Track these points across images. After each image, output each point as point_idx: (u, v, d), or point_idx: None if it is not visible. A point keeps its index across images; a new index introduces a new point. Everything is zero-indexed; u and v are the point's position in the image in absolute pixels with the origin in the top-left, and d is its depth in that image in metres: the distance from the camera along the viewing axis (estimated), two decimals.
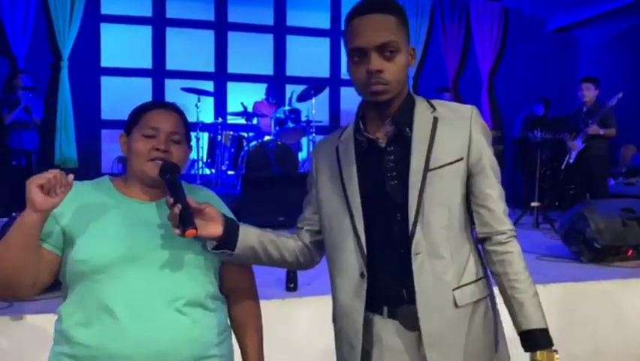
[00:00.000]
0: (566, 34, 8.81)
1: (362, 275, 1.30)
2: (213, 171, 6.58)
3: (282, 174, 5.62)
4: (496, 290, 1.39)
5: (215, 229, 1.32)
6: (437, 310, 1.26)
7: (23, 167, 5.97)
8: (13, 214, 3.65)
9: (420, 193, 1.26)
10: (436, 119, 1.31)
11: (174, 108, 1.43)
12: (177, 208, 1.24)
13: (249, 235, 1.38)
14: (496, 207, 1.31)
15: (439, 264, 1.27)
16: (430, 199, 1.27)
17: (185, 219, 1.24)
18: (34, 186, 1.16)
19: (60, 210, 1.29)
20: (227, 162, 6.40)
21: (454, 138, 1.30)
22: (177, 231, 1.24)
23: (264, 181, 5.30)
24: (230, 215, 1.44)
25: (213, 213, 1.33)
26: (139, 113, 1.40)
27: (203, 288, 1.35)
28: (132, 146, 1.36)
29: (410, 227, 1.27)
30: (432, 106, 1.34)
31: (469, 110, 1.33)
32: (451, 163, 1.28)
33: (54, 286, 2.93)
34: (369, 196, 1.31)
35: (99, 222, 1.31)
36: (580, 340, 3.14)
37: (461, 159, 1.29)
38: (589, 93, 5.70)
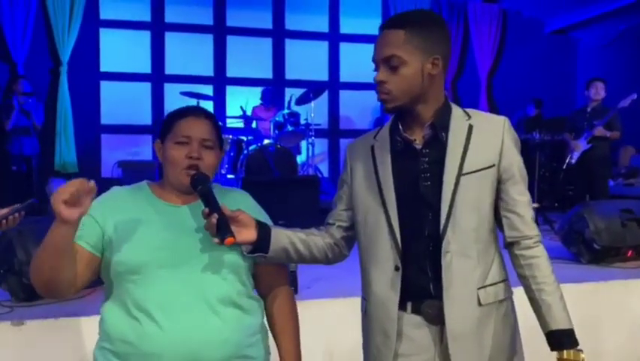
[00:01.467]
0: (564, 35, 8.83)
1: (397, 268, 1.37)
2: None
3: (281, 178, 5.62)
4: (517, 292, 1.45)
5: (250, 234, 1.38)
6: (462, 307, 1.34)
7: (23, 172, 5.98)
8: None
9: (453, 196, 1.34)
10: (471, 127, 1.38)
11: (205, 114, 1.48)
12: (214, 218, 1.29)
13: (281, 237, 1.44)
14: (525, 212, 1.40)
15: (467, 263, 1.35)
16: (462, 202, 1.34)
17: (222, 228, 1.29)
18: (59, 203, 1.18)
19: (102, 214, 1.37)
20: (226, 166, 6.40)
21: (487, 145, 1.37)
22: (216, 240, 1.29)
23: (263, 185, 5.30)
24: (265, 215, 1.53)
25: (247, 219, 1.39)
26: (171, 120, 1.45)
27: (235, 288, 1.39)
28: (166, 154, 1.42)
29: (442, 227, 1.34)
30: (467, 114, 1.42)
31: (501, 121, 1.41)
32: (484, 169, 1.36)
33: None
34: (403, 194, 1.38)
35: (138, 227, 1.36)
36: (579, 341, 3.14)
37: (493, 166, 1.37)
38: (603, 93, 5.65)
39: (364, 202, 1.44)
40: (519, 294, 1.44)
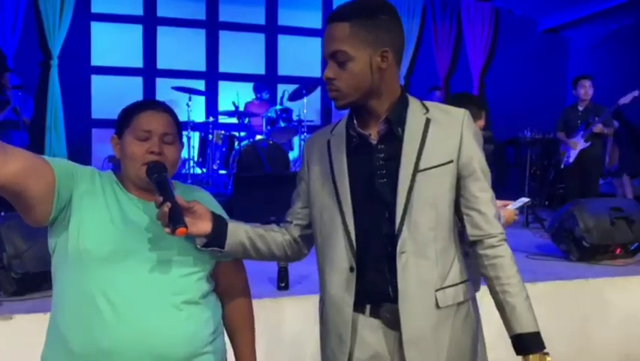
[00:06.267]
0: (556, 34, 8.87)
1: (351, 269, 1.31)
2: (204, 170, 6.56)
3: (273, 174, 5.61)
4: (479, 294, 1.42)
5: (204, 226, 1.33)
6: (419, 310, 1.28)
7: None
8: (2, 213, 3.62)
9: (408, 193, 1.28)
10: (428, 121, 1.32)
11: (164, 108, 1.42)
12: (166, 207, 1.24)
13: (238, 231, 1.39)
14: (488, 210, 1.32)
15: (424, 264, 1.28)
16: (418, 200, 1.28)
17: (174, 217, 1.24)
18: None
19: (80, 179, 1.34)
20: (218, 162, 6.39)
21: (445, 140, 1.31)
22: (167, 229, 1.24)
23: (255, 181, 5.29)
24: (224, 215, 1.46)
25: (202, 210, 1.33)
26: (129, 114, 1.39)
27: (198, 286, 1.36)
28: (125, 149, 1.36)
29: (397, 226, 1.28)
30: (425, 107, 1.35)
31: (461, 114, 1.34)
32: (441, 165, 1.29)
33: (42, 286, 2.92)
34: (359, 192, 1.31)
35: (108, 214, 1.32)
36: (568, 338, 3.17)
37: (451, 162, 1.30)
38: (591, 91, 5.60)
39: (320, 200, 1.37)
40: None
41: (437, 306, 1.29)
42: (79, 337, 1.25)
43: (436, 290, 1.29)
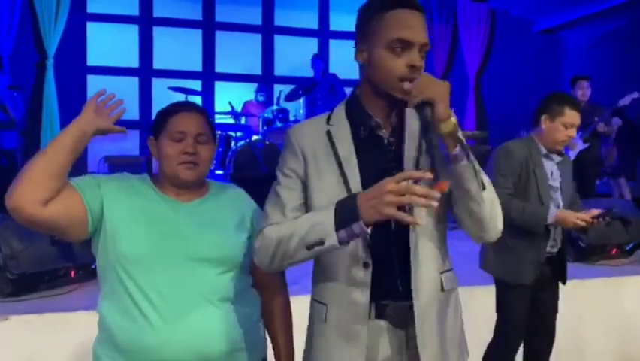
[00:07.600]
0: (552, 35, 8.89)
1: (366, 266, 1.27)
2: None
3: (269, 174, 5.59)
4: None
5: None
6: (428, 291, 1.29)
7: (4, 167, 5.86)
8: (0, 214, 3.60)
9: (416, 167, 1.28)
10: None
11: (198, 109, 1.49)
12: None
13: None
14: None
15: (430, 250, 1.30)
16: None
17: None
18: (88, 108, 1.35)
19: (107, 186, 1.39)
20: (214, 162, 6.38)
21: None
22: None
23: (251, 181, 5.29)
24: (259, 211, 1.49)
25: None
26: (164, 116, 1.45)
27: (234, 283, 1.40)
28: (162, 150, 1.42)
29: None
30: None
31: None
32: None
33: (38, 287, 2.91)
34: (370, 184, 1.22)
35: (142, 216, 1.38)
36: (564, 338, 3.18)
37: None
38: (588, 92, 5.59)
39: (327, 194, 1.27)
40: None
41: (442, 288, 1.32)
42: (124, 334, 1.32)
43: (441, 273, 1.32)
